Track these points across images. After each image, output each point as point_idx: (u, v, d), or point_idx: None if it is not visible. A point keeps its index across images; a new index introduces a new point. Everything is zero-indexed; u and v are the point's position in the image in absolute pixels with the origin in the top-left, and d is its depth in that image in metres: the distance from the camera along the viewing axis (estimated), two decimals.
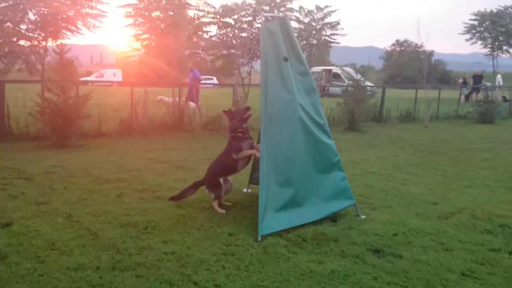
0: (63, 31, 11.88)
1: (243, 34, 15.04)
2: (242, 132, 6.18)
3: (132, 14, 14.31)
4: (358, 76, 29.88)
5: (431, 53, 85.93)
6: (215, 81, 50.10)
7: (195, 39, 15.11)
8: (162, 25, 14.44)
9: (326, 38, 16.19)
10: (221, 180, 6.23)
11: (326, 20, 15.82)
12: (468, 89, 28.00)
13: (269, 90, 5.62)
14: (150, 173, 8.35)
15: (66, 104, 10.58)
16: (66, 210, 5.96)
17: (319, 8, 15.68)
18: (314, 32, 16.00)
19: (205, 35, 15.07)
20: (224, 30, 15.10)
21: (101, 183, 7.48)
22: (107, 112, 13.41)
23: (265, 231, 5.17)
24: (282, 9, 15.09)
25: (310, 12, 15.77)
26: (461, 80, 32.26)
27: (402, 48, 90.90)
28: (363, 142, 12.60)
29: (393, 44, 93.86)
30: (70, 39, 12.10)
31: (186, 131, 13.80)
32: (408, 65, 79.64)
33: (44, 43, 12.01)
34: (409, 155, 11.03)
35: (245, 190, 7.25)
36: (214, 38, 15.20)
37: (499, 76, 30.22)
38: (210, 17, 14.92)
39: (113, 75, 49.71)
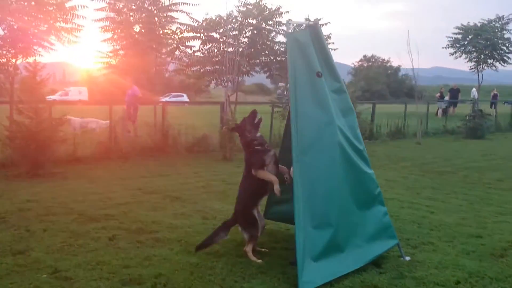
0: (35, 47, 10.64)
1: (229, 49, 14.08)
2: (259, 143, 5.13)
3: (110, 27, 13.12)
4: None
5: (398, 68, 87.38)
6: (185, 98, 48.98)
7: (175, 55, 13.99)
8: (139, 38, 13.26)
9: None
10: (255, 213, 5.16)
11: None
12: (445, 103, 27.77)
13: (301, 111, 4.68)
14: (141, 207, 7.23)
15: (40, 128, 9.35)
16: (51, 262, 4.83)
17: (308, 21, 14.85)
18: None
19: (188, 50, 14.01)
20: (210, 45, 14.10)
21: (86, 222, 6.33)
22: (80, 133, 12.22)
23: (306, 287, 4.16)
24: (270, 22, 14.26)
25: (298, 26, 14.90)
26: (438, 94, 32.14)
27: (370, 63, 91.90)
28: None
29: (361, 60, 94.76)
30: (43, 56, 10.87)
31: (170, 153, 12.66)
32: (376, 80, 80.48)
33: (13, 60, 10.75)
34: (418, 176, 10.23)
35: None
36: (198, 53, 14.19)
37: (474, 89, 30.21)
38: (193, 32, 13.92)
39: (78, 93, 47.92)
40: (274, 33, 14.79)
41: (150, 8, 13.07)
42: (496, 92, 27.20)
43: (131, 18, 13.12)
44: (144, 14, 12.91)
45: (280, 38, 15.18)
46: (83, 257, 4.99)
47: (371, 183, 5.05)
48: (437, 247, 5.51)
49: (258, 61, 14.83)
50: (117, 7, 13.03)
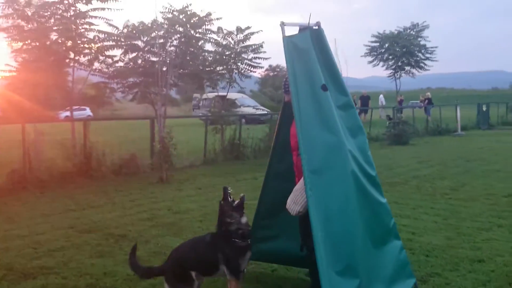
0: None
1: (155, 59, 12.84)
2: (243, 234, 4.03)
3: (19, 37, 11.36)
4: (253, 103, 28.89)
5: None
6: (88, 112, 46.00)
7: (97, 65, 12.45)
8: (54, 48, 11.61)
9: (248, 62, 14.56)
10: (194, 274, 4.10)
11: (247, 43, 14.20)
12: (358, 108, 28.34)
13: (305, 131, 3.80)
14: (82, 252, 5.93)
15: None
16: None
17: (239, 30, 14.04)
18: (233, 55, 14.28)
19: (110, 60, 12.53)
20: (135, 54, 12.75)
21: (19, 280, 5.01)
22: None
23: None
24: (199, 30, 13.22)
25: (229, 33, 14.06)
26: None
27: (275, 73, 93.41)
28: None
29: (267, 69, 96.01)
30: None
31: (95, 178, 11.13)
32: (278, 90, 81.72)
33: None
34: None
35: None
36: (119, 64, 12.76)
37: (381, 96, 31.22)
38: (112, 40, 12.50)
39: None
40: (202, 41, 13.77)
41: (65, 14, 11.45)
42: (429, 97, 27.96)
43: (45, 25, 11.41)
44: (59, 22, 11.26)
45: (209, 47, 14.23)
46: None
47: (386, 215, 4.28)
48: (448, 279, 4.89)
49: (187, 71, 13.70)
50: (26, 14, 11.29)
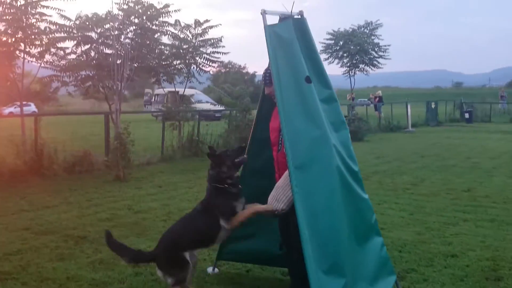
0: None
1: (110, 51, 12.33)
2: (232, 184, 4.00)
3: None
4: (208, 99, 28.55)
5: (254, 74, 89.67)
6: (33, 107, 44.11)
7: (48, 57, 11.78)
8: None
9: (206, 56, 14.24)
10: (187, 256, 3.96)
11: (206, 36, 13.89)
12: None
13: (289, 124, 3.64)
14: (41, 255, 5.52)
15: None
16: None
17: (198, 23, 13.70)
18: (191, 49, 13.92)
19: (62, 53, 11.89)
20: (88, 46, 12.18)
21: None
22: None
23: None
24: (155, 22, 12.78)
25: (187, 26, 13.70)
26: None
27: (227, 69, 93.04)
28: None
29: (218, 66, 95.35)
30: None
31: (47, 176, 10.53)
32: (235, 86, 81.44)
33: None
34: None
35: (210, 269, 5.01)
36: (72, 56, 12.16)
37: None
38: (64, 32, 11.89)
39: None
40: (158, 33, 13.35)
41: (14, 4, 10.73)
42: (380, 95, 28.40)
43: None
44: (7, 11, 10.55)
45: (166, 40, 13.82)
46: None
47: (368, 211, 4.17)
48: (425, 275, 4.87)
49: (143, 65, 13.24)
50: None
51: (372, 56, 25.81)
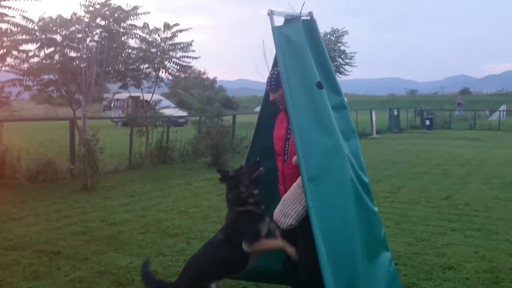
0: None
1: (74, 54, 11.75)
2: (255, 203, 3.70)
3: None
4: (170, 104, 27.92)
5: (214, 80, 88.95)
6: None
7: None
8: None
9: (176, 60, 13.84)
10: (214, 286, 3.62)
11: (175, 40, 13.48)
12: None
13: (302, 133, 3.39)
14: (14, 274, 5.07)
15: None
16: None
17: (167, 26, 13.27)
18: (160, 53, 13.48)
19: (24, 56, 11.22)
20: (52, 49, 11.54)
21: None
22: None
23: None
24: (123, 24, 12.28)
25: (156, 30, 13.25)
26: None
27: (186, 74, 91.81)
28: None
29: (178, 71, 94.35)
30: None
31: (10, 186, 9.87)
32: (188, 92, 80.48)
33: None
34: None
35: None
36: (35, 59, 11.51)
37: None
38: (26, 34, 11.24)
39: None
40: (126, 36, 12.85)
41: None
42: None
43: None
44: None
45: (134, 44, 13.33)
46: None
47: (378, 225, 3.95)
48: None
49: (110, 69, 12.69)
50: None
51: (338, 64, 25.94)
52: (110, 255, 5.71)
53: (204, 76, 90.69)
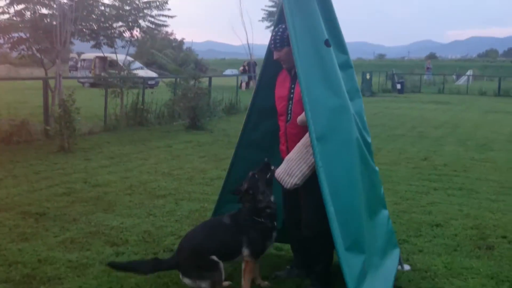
0: None
1: (45, 11, 11.25)
2: (271, 215, 3.71)
3: None
4: (138, 65, 27.38)
5: (182, 41, 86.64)
6: None
7: None
8: None
9: (151, 19, 13.42)
10: (215, 258, 3.56)
11: None
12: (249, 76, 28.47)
13: (309, 92, 3.33)
14: (1, 235, 4.93)
15: None
16: None
17: None
18: (134, 11, 13.03)
19: None
20: (23, 6, 10.98)
21: None
22: None
23: None
24: None
25: None
26: (241, 68, 32.73)
27: (162, 34, 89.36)
28: (226, 143, 10.57)
29: (144, 31, 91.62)
30: None
31: None
32: (162, 53, 78.70)
33: None
34: None
35: None
36: (4, 16, 10.97)
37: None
38: None
39: None
40: None
41: None
42: None
43: None
44: None
45: (107, 1, 12.84)
46: None
47: (378, 184, 4.01)
48: (418, 246, 4.83)
49: (82, 27, 12.22)
50: None
51: None
52: (99, 215, 5.63)
53: (171, 37, 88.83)
